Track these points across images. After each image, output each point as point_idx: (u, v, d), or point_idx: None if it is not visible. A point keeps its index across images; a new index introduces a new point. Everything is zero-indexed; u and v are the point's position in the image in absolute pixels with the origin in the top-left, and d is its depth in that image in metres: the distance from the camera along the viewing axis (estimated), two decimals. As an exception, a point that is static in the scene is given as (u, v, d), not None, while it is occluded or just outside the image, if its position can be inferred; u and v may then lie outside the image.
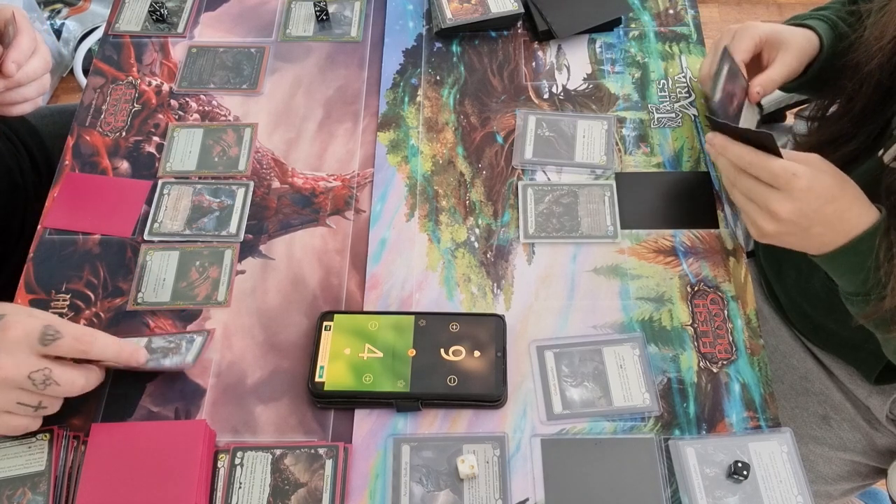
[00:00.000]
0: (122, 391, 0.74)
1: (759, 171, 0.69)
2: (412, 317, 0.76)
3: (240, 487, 0.68)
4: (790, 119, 1.15)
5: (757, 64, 0.83)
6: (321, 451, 0.70)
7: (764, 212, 0.69)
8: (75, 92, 1.97)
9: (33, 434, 0.69)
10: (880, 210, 0.69)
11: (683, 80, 0.95)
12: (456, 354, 0.74)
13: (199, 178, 0.88)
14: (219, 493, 0.68)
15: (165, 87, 0.96)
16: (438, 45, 0.99)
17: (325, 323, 0.76)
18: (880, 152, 0.75)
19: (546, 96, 0.94)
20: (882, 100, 0.76)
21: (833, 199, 0.67)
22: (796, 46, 0.80)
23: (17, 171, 1.01)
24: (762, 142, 0.68)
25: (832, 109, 0.85)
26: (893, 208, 0.68)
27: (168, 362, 0.72)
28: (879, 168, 0.74)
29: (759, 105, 0.82)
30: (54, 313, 0.78)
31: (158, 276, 0.81)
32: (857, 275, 0.69)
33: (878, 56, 0.72)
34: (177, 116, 0.93)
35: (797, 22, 0.85)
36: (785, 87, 0.88)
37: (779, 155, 0.68)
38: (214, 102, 0.94)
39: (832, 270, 0.73)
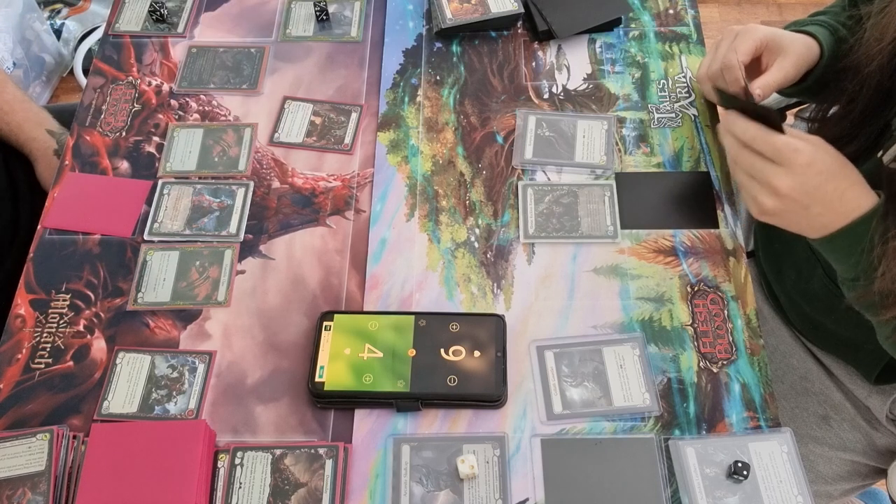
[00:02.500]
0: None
1: (762, 145, 0.69)
2: (412, 317, 0.76)
3: (240, 487, 0.68)
4: (790, 119, 1.15)
5: (756, 68, 0.83)
6: (321, 451, 0.70)
7: (765, 187, 0.70)
8: (75, 92, 1.97)
9: (33, 434, 0.69)
10: (879, 195, 0.69)
11: (683, 80, 0.95)
12: (456, 354, 0.74)
13: (199, 178, 0.88)
14: (219, 493, 0.68)
15: (165, 87, 0.96)
16: (438, 45, 0.99)
17: (325, 323, 0.76)
18: (880, 153, 0.75)
19: (546, 96, 0.94)
20: (882, 101, 0.76)
21: (833, 177, 0.68)
22: (795, 53, 0.81)
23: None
24: (768, 117, 0.69)
25: (833, 111, 0.85)
26: (893, 195, 0.68)
27: None
28: (879, 169, 0.74)
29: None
30: (54, 313, 0.79)
31: (158, 276, 0.81)
32: (852, 257, 0.70)
33: (878, 58, 0.72)
34: (177, 116, 0.93)
35: (797, 28, 0.85)
36: (785, 93, 0.88)
37: (782, 132, 0.68)
38: (214, 102, 0.94)
39: (829, 253, 0.73)
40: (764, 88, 0.79)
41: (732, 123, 0.72)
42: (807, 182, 0.67)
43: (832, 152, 0.69)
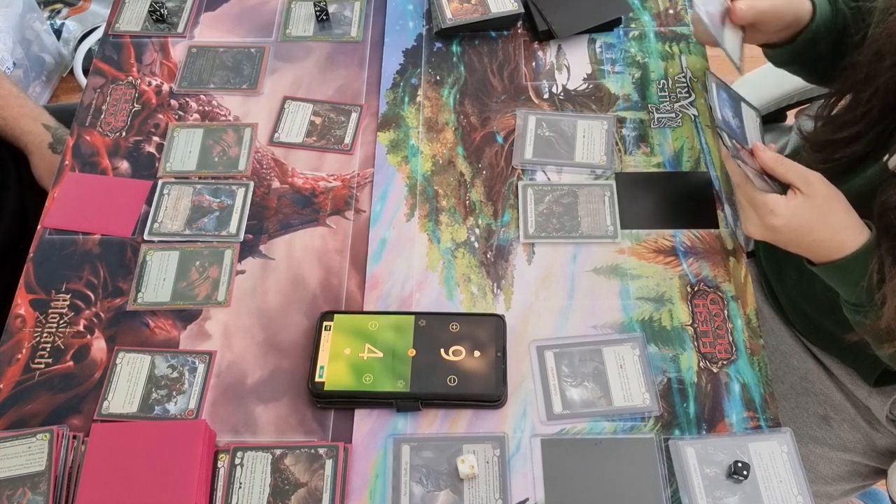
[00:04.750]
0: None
1: (744, 194, 0.74)
2: (412, 317, 0.76)
3: (240, 487, 0.68)
4: (790, 119, 1.15)
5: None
6: (321, 451, 0.70)
7: (751, 219, 0.75)
8: (75, 92, 1.97)
9: (33, 434, 0.69)
10: (871, 227, 0.70)
11: (683, 80, 0.95)
12: (456, 354, 0.74)
13: (199, 178, 0.88)
14: (219, 493, 0.68)
15: (165, 87, 0.96)
16: (438, 45, 0.99)
17: (325, 323, 0.76)
18: (885, 157, 0.74)
19: (546, 96, 0.94)
20: (893, 104, 0.75)
21: (810, 231, 0.71)
22: None
23: None
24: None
25: (838, 109, 0.84)
26: (886, 227, 0.69)
27: None
28: (884, 174, 0.73)
29: (741, 28, 0.82)
30: (54, 313, 0.79)
31: (158, 276, 0.81)
32: (850, 287, 0.72)
33: (891, 66, 0.72)
34: (177, 116, 0.93)
35: None
36: (775, 58, 0.87)
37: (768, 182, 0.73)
38: (214, 102, 0.94)
39: (828, 280, 0.75)
40: (751, 5, 0.79)
41: (725, 160, 0.77)
42: (781, 236, 0.73)
43: (815, 204, 0.71)
